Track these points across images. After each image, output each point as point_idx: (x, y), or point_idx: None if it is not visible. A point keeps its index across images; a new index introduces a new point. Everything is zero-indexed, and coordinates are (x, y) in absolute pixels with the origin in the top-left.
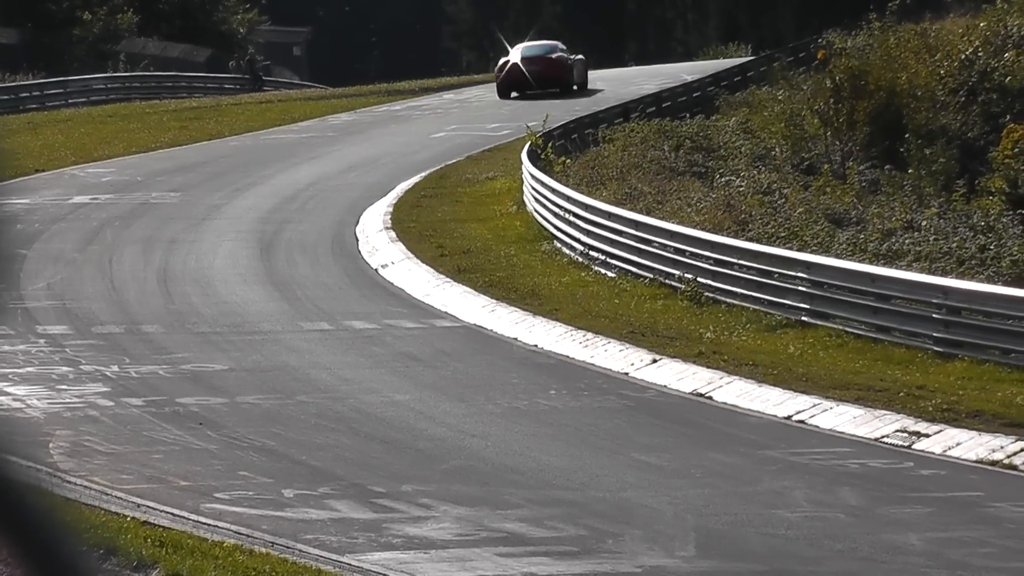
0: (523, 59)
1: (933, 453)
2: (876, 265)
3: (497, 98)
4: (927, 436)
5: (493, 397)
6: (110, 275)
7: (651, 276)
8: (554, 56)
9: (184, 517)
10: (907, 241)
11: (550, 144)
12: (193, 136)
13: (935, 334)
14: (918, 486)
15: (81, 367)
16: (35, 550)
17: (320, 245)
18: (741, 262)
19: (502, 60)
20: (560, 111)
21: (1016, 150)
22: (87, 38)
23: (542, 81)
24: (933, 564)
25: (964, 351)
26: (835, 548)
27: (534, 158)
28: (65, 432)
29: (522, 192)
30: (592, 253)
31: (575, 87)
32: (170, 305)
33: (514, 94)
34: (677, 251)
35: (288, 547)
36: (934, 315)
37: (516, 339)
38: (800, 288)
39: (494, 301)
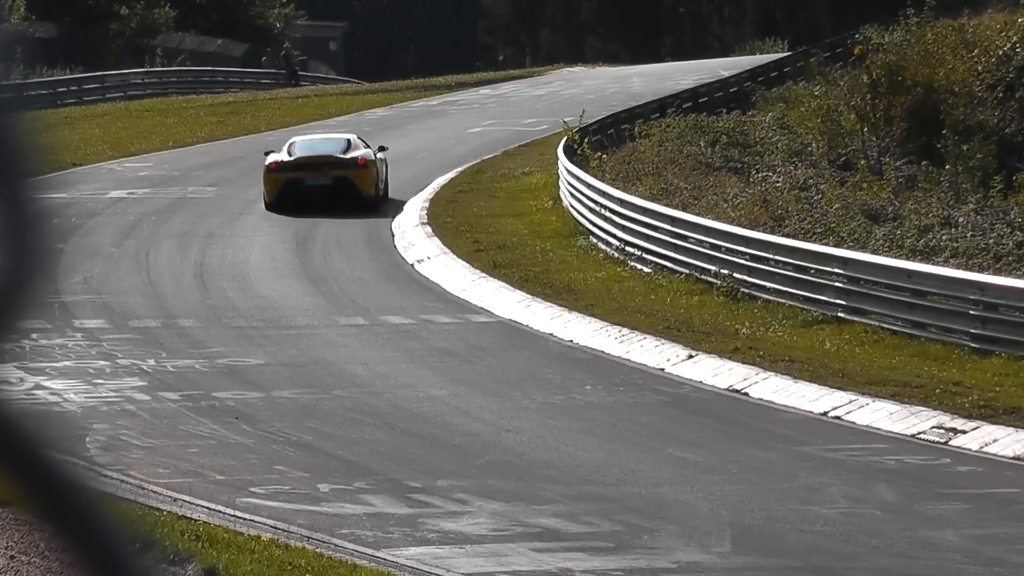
0: (302, 160)
1: (970, 449)
2: (913, 261)
3: (534, 93)
4: (964, 432)
5: (528, 392)
6: (147, 269)
7: (687, 272)
8: (342, 156)
9: (220, 511)
10: (944, 237)
11: (586, 139)
12: (230, 131)
13: (972, 330)
14: (955, 482)
15: (118, 361)
16: (90, 550)
17: (356, 240)
18: (777, 258)
19: (273, 158)
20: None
21: None
22: (124, 33)
23: (329, 192)
24: (970, 560)
25: (1001, 347)
26: (871, 544)
27: (570, 153)
28: (102, 426)
29: (558, 187)
30: (628, 248)
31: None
32: (206, 299)
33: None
34: (713, 247)
35: (324, 541)
36: (971, 311)
37: (552, 334)
38: (836, 284)
39: (530, 296)
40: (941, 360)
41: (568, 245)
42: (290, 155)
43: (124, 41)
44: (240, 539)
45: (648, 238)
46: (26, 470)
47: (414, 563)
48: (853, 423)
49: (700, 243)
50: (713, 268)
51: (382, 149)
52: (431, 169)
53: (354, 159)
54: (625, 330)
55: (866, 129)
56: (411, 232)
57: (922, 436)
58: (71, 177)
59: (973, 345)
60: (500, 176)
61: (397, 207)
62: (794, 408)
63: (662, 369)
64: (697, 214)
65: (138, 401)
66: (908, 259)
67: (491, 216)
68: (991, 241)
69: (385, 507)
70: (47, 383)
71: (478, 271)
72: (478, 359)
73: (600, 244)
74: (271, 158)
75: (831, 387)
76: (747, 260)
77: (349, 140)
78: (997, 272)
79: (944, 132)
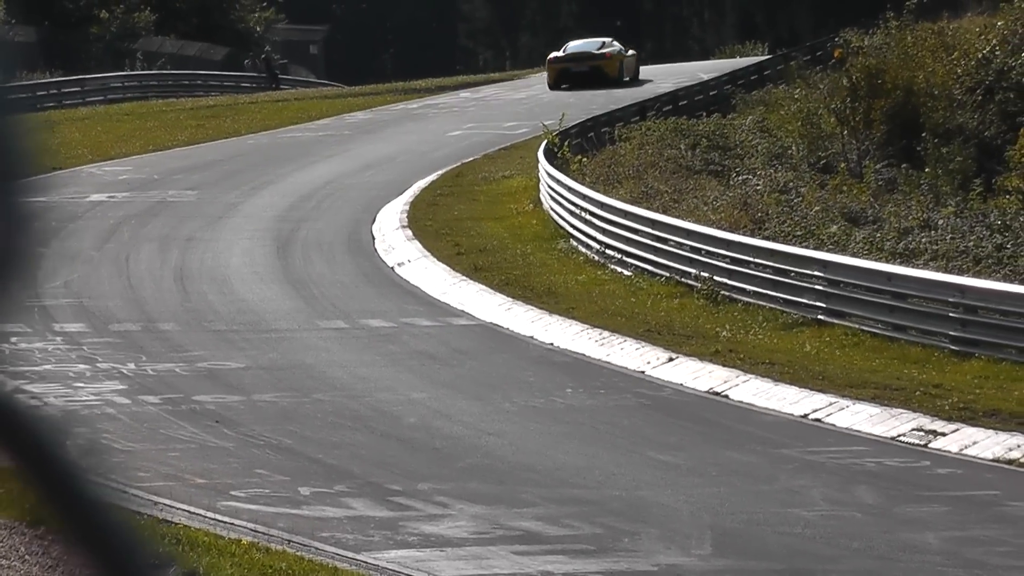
0: (571, 55)
1: (950, 452)
2: (893, 264)
3: (514, 96)
4: (944, 435)
5: (509, 395)
6: (127, 273)
7: (667, 275)
8: (596, 52)
9: (201, 515)
10: (924, 240)
11: (566, 142)
12: (210, 134)
13: (952, 333)
14: (935, 485)
15: (98, 365)
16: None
17: (336, 243)
18: (757, 261)
19: (552, 55)
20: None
21: None
22: (104, 36)
23: (587, 76)
24: (950, 563)
25: (981, 350)
26: (852, 547)
27: (550, 156)
28: (82, 430)
29: (538, 190)
30: (608, 252)
31: (626, 78)
32: (187, 303)
33: (564, 85)
34: (693, 250)
35: (304, 545)
36: (951, 314)
37: (532, 337)
38: (816, 287)
39: (510, 299)
40: (921, 362)
41: (549, 248)
42: (563, 52)
43: (104, 45)
44: (221, 542)
45: (628, 241)
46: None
47: (395, 566)
48: (833, 425)
49: (680, 246)
50: (693, 271)
51: (632, 51)
52: (411, 172)
53: (603, 54)
54: (606, 333)
55: (846, 132)
56: (391, 235)
57: (902, 438)
58: (51, 181)
59: (953, 347)
60: (480, 179)
61: (377, 209)
62: (774, 411)
63: (642, 372)
64: (677, 217)
65: (118, 405)
66: (888, 262)
67: (471, 219)
68: (971, 244)
69: (366, 510)
70: (27, 387)
71: (459, 274)
72: (459, 362)
73: (580, 247)
74: (552, 55)
75: (811, 390)
76: (727, 263)
77: (603, 42)
78: (977, 275)
79: (924, 135)
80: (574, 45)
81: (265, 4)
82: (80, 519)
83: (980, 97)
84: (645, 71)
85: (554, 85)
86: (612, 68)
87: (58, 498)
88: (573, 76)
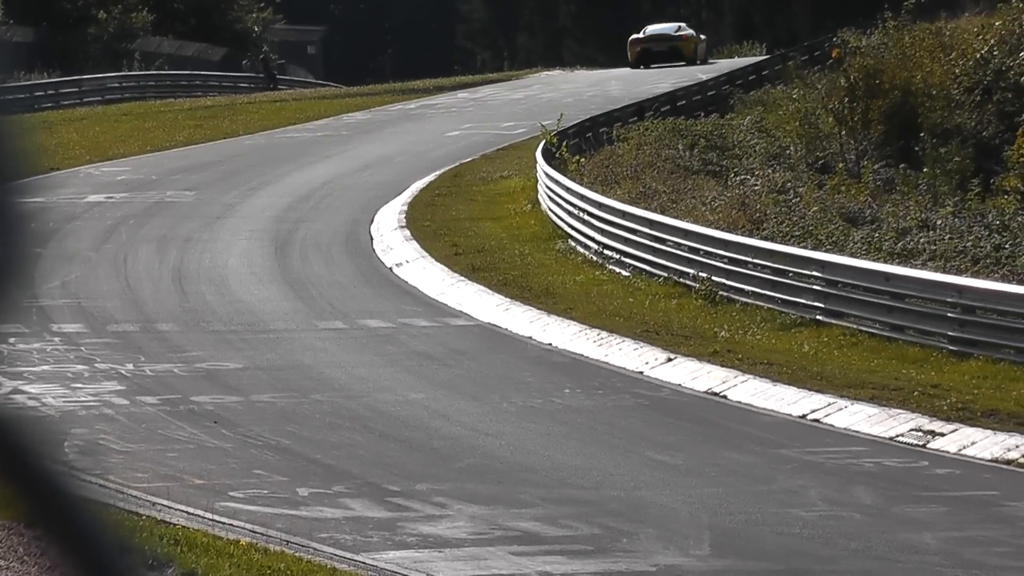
0: (651, 36)
1: (948, 452)
2: (891, 264)
3: (512, 96)
4: (942, 435)
5: (507, 396)
6: (125, 274)
7: (665, 275)
8: (674, 33)
9: (199, 515)
10: (922, 240)
11: (564, 143)
12: (208, 135)
13: (950, 333)
14: (933, 485)
15: (96, 365)
16: (79, 550)
17: (334, 244)
18: (756, 261)
19: (633, 36)
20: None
21: None
22: (102, 37)
23: (667, 55)
24: (948, 563)
25: (979, 350)
26: (850, 547)
27: (548, 157)
28: (80, 430)
29: (536, 191)
30: (606, 252)
31: (698, 61)
32: (185, 303)
33: (643, 66)
34: (691, 250)
35: (303, 545)
36: (949, 314)
37: (530, 338)
38: (815, 287)
39: (508, 300)
40: (919, 363)
41: (547, 249)
42: (643, 35)
43: (102, 45)
44: (219, 543)
45: (626, 241)
46: (17, 470)
47: (393, 567)
48: (832, 426)
49: (679, 246)
50: (691, 271)
51: (703, 36)
52: (409, 173)
53: (680, 36)
54: (604, 333)
55: (844, 132)
56: (389, 236)
57: (900, 439)
58: (49, 181)
59: (951, 348)
60: (478, 180)
61: (375, 209)
62: (773, 411)
63: (641, 372)
64: (675, 217)
65: (116, 405)
66: (886, 262)
67: (469, 220)
68: (969, 244)
69: (364, 511)
70: (25, 387)
71: (457, 275)
72: (457, 363)
73: (579, 248)
74: (633, 36)
75: (810, 390)
76: (725, 263)
77: (680, 26)
78: (975, 275)
79: (922, 135)
80: (652, 28)
81: (263, 4)
82: (60, 521)
83: (978, 97)
84: (639, 71)
85: (636, 63)
86: (688, 48)
87: (37, 500)
88: (654, 55)
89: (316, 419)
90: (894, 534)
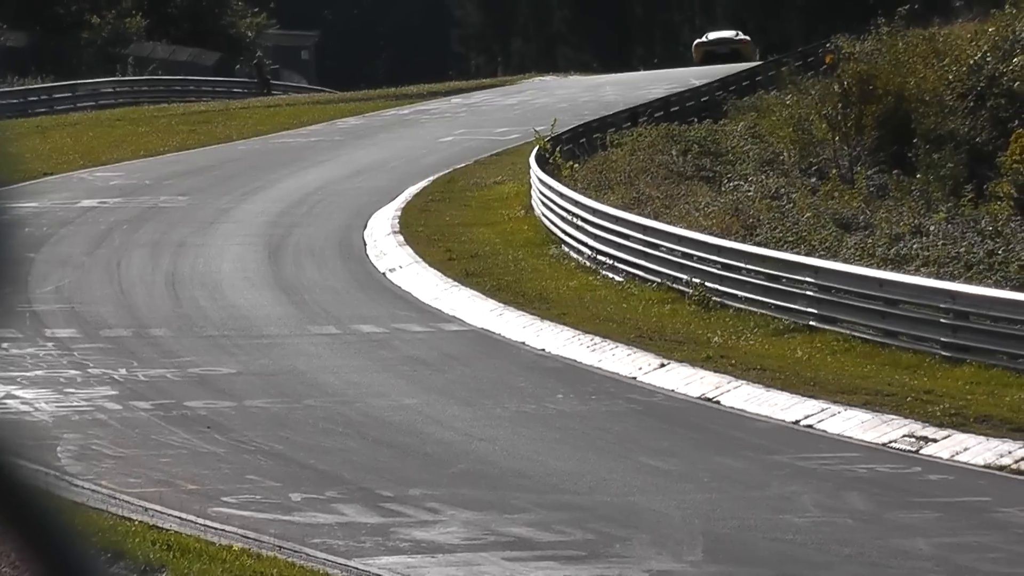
0: (714, 40)
1: (941, 458)
2: (884, 270)
3: (505, 102)
4: (935, 441)
5: (501, 401)
6: (118, 279)
7: (659, 280)
8: (735, 38)
9: (192, 521)
10: (915, 246)
11: (558, 148)
12: (201, 140)
13: (943, 339)
14: (926, 491)
15: (89, 370)
16: (45, 553)
17: (328, 249)
18: (749, 267)
19: (697, 40)
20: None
21: None
22: (95, 42)
23: (728, 56)
24: (941, 569)
25: (972, 356)
26: (843, 553)
27: (542, 162)
28: (73, 435)
29: (530, 196)
30: (600, 257)
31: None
32: (178, 309)
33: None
34: (685, 255)
35: (295, 551)
36: (942, 320)
37: (524, 343)
38: (808, 293)
39: (502, 305)
40: (912, 368)
41: (540, 254)
42: (706, 39)
43: (95, 50)
44: (211, 549)
45: (620, 247)
46: None
47: (386, 572)
48: (825, 432)
49: (672, 252)
50: (685, 277)
51: (751, 40)
52: (403, 178)
53: (740, 40)
54: (597, 339)
55: (837, 138)
56: (383, 241)
57: (893, 444)
58: (42, 186)
59: (944, 353)
60: (472, 185)
61: (369, 215)
62: (766, 417)
63: (634, 378)
64: (669, 223)
65: (109, 410)
66: (879, 268)
67: (463, 225)
68: (962, 250)
69: (357, 516)
70: (18, 392)
71: (450, 280)
72: (450, 368)
73: (572, 253)
74: (698, 40)
75: (803, 396)
76: (719, 269)
77: (737, 32)
78: (968, 281)
79: (915, 141)
80: (714, 34)
81: (256, 9)
82: (20, 513)
83: (971, 103)
84: (633, 76)
85: (701, 63)
86: (748, 51)
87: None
88: (717, 56)
89: (309, 424)
90: (887, 540)
